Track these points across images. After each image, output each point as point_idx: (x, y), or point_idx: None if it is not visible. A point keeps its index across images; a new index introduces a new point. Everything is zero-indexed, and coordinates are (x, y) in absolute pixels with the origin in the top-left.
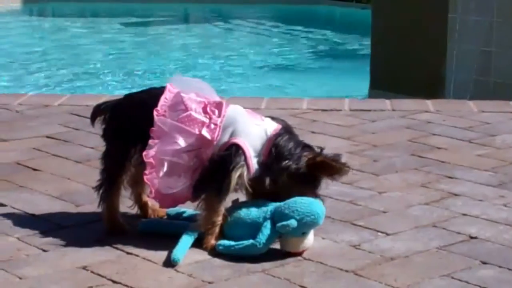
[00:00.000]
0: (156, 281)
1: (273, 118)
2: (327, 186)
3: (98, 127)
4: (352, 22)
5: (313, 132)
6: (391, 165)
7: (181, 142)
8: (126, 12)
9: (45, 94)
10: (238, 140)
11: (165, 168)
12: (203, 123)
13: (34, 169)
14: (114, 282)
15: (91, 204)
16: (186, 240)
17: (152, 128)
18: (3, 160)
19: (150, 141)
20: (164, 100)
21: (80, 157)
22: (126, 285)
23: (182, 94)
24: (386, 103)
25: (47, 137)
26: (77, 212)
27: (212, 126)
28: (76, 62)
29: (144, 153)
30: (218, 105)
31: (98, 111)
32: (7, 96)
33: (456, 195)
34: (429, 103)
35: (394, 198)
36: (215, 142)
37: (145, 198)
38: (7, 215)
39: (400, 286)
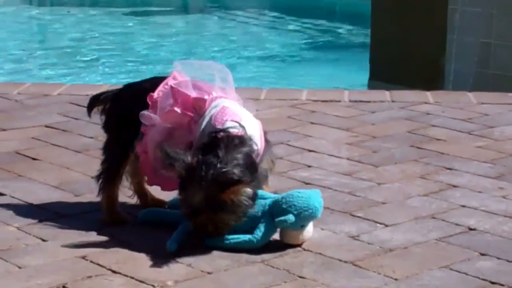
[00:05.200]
0: (155, 271)
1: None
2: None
3: (97, 117)
4: (352, 12)
5: (312, 123)
6: (390, 156)
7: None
8: (125, 1)
9: (44, 83)
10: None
11: (156, 155)
12: (190, 118)
13: (33, 159)
14: (113, 272)
15: (90, 193)
16: (183, 229)
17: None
18: (2, 149)
19: (142, 130)
20: (164, 86)
21: (80, 146)
22: (125, 275)
23: (172, 85)
24: (386, 94)
25: (46, 126)
26: (76, 202)
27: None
28: (75, 51)
29: (136, 146)
30: (202, 102)
31: (97, 101)
32: (6, 85)
33: (455, 186)
34: (429, 95)
35: (393, 189)
36: (195, 138)
37: (145, 187)
38: (6, 205)
39: (398, 277)
